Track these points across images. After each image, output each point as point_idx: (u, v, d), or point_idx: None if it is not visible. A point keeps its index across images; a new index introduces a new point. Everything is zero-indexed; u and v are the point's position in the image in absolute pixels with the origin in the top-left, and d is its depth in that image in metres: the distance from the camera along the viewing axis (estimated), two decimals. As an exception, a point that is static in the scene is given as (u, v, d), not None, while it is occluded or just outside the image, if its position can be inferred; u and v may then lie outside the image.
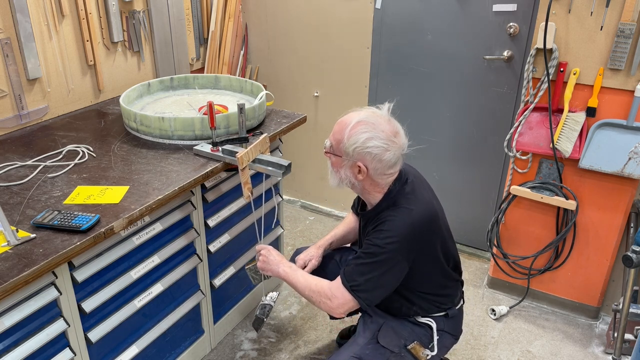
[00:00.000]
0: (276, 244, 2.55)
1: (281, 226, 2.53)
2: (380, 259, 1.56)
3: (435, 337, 1.75)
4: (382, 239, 1.56)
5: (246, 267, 2.11)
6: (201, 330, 2.18)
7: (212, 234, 2.06)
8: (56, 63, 2.17)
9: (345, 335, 2.31)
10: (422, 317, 1.78)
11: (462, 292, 1.87)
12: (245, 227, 2.22)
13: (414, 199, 1.61)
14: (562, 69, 2.14)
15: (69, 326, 1.51)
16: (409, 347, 1.72)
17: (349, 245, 2.09)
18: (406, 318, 1.78)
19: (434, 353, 1.75)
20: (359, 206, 1.88)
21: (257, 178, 2.18)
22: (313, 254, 1.95)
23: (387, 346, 1.71)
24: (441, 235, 1.67)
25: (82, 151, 1.90)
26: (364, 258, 1.58)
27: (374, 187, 1.63)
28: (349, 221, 2.04)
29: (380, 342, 1.71)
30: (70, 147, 1.93)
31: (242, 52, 3.13)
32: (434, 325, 1.76)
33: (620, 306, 2.17)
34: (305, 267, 1.92)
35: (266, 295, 2.16)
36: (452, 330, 1.82)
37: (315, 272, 1.92)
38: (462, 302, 1.86)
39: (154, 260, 1.78)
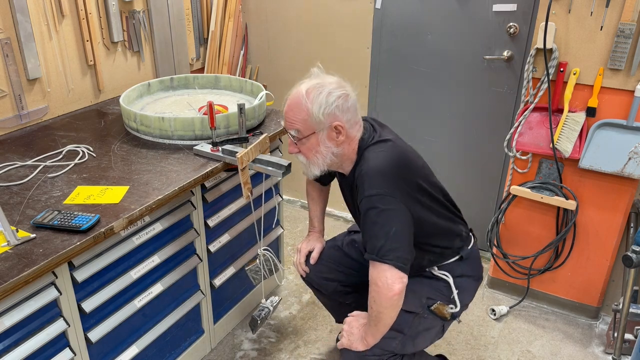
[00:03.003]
0: (276, 244, 2.55)
1: (281, 226, 2.53)
2: (381, 214, 1.52)
3: (455, 291, 1.73)
4: (368, 196, 1.52)
5: (246, 268, 2.11)
6: (201, 330, 2.18)
7: (212, 234, 2.06)
8: (56, 63, 2.17)
9: None
10: (438, 268, 1.75)
11: (470, 230, 1.85)
12: (245, 227, 2.22)
13: (378, 144, 1.60)
14: (562, 69, 2.14)
15: (69, 326, 1.51)
16: (432, 307, 1.70)
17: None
18: (421, 273, 1.75)
19: (457, 308, 1.73)
20: (324, 175, 1.83)
21: (257, 178, 2.18)
22: (315, 242, 1.99)
23: (409, 309, 1.66)
24: (421, 169, 1.65)
25: (82, 151, 1.90)
26: (369, 224, 1.53)
27: (351, 147, 1.61)
28: (314, 190, 2.03)
29: (402, 308, 1.63)
30: (70, 147, 1.93)
31: (242, 52, 3.13)
32: (450, 280, 1.73)
33: (620, 306, 2.17)
34: (311, 251, 1.97)
35: (267, 299, 2.16)
36: (471, 272, 1.79)
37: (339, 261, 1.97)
38: (473, 240, 1.84)
39: (154, 260, 1.78)
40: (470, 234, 1.85)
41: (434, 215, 1.67)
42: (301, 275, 2.04)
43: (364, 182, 1.54)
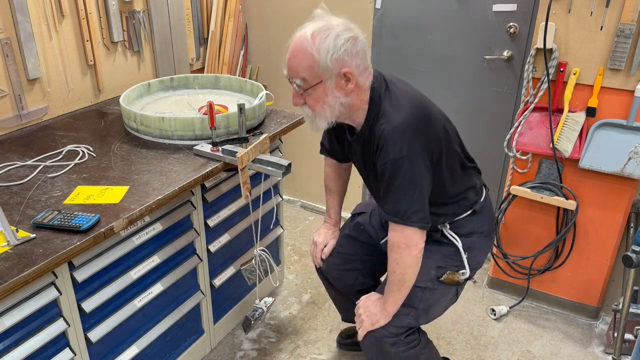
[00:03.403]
0: (276, 244, 2.55)
1: (281, 226, 2.53)
2: (406, 177, 1.45)
3: (464, 255, 1.69)
4: (393, 159, 1.43)
5: (242, 268, 2.11)
6: (201, 330, 2.18)
7: (212, 234, 2.06)
8: (56, 63, 2.17)
9: (346, 336, 2.31)
10: (450, 226, 1.70)
11: (481, 180, 1.79)
12: (245, 227, 2.22)
13: (397, 97, 1.50)
14: (562, 69, 2.14)
15: (69, 326, 1.51)
16: (442, 278, 1.68)
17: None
18: (431, 236, 1.68)
19: (468, 273, 1.71)
20: (334, 145, 1.78)
21: (257, 178, 2.18)
22: (330, 236, 1.97)
23: (418, 285, 1.63)
24: (440, 118, 1.57)
25: (82, 151, 1.90)
26: (394, 188, 1.46)
27: (361, 97, 1.49)
28: (332, 175, 1.94)
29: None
30: (70, 147, 1.93)
31: (242, 52, 3.13)
32: (459, 245, 1.69)
33: (620, 306, 2.17)
34: (325, 246, 1.96)
35: (260, 300, 2.16)
36: (482, 227, 1.74)
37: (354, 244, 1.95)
38: (485, 191, 1.79)
39: (154, 260, 1.78)
40: (483, 185, 1.79)
41: (452, 170, 1.61)
42: (317, 268, 2.04)
43: (387, 143, 1.44)
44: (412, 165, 1.45)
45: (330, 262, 1.98)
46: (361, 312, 1.69)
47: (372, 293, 1.73)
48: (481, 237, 1.75)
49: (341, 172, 1.94)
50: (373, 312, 1.66)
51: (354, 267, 1.97)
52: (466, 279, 1.73)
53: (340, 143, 1.79)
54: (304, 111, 1.53)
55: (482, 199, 1.75)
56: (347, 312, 2.15)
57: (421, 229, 1.51)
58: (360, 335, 1.69)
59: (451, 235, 1.71)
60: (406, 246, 1.52)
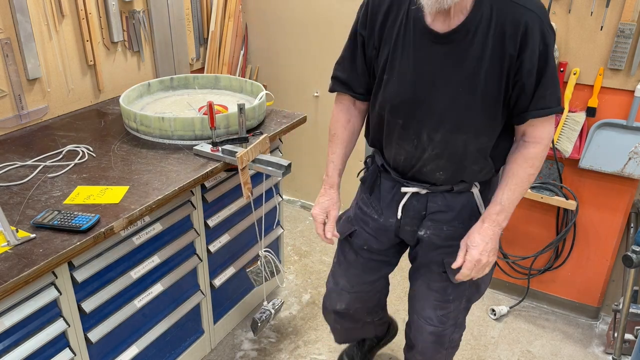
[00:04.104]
0: (276, 244, 2.55)
1: (281, 226, 2.53)
2: (552, 58, 1.30)
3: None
4: (547, 37, 1.25)
5: (247, 270, 2.11)
6: (201, 330, 2.18)
7: (212, 234, 2.06)
8: (56, 63, 2.17)
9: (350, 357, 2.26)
10: (482, 187, 1.50)
11: None
12: (246, 227, 2.22)
13: None
14: (562, 69, 2.14)
15: (69, 326, 1.51)
16: None
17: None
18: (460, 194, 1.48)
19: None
20: (358, 71, 1.48)
21: (257, 178, 2.18)
22: (328, 204, 1.59)
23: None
24: None
25: (82, 151, 1.90)
26: (546, 72, 1.28)
27: None
28: (342, 118, 1.58)
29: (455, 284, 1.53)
30: (70, 147, 1.93)
31: (242, 52, 3.13)
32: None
33: (620, 306, 2.17)
34: (325, 223, 1.60)
35: (269, 302, 2.16)
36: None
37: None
38: None
39: (154, 261, 1.78)
40: None
41: None
42: (323, 311, 1.91)
43: (543, 24, 1.25)
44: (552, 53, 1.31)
45: (341, 324, 1.88)
46: (474, 255, 1.41)
47: (474, 238, 1.42)
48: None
49: (354, 114, 1.58)
50: (487, 247, 1.41)
51: (369, 320, 1.90)
52: None
53: (368, 67, 1.47)
54: None
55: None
56: (345, 336, 2.04)
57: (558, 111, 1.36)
58: (467, 275, 1.44)
59: (477, 198, 1.51)
60: (548, 140, 1.38)
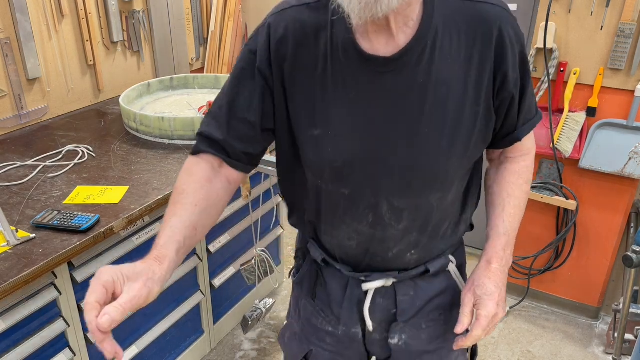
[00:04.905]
0: (276, 244, 2.55)
1: (281, 226, 2.53)
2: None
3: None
4: (521, 36, 0.96)
5: (241, 268, 2.12)
6: (201, 330, 2.17)
7: (212, 234, 2.05)
8: (56, 63, 2.17)
9: None
10: (454, 256, 1.15)
11: None
12: (245, 227, 2.22)
13: None
14: (562, 69, 2.14)
15: (69, 326, 1.51)
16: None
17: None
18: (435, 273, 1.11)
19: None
20: (251, 125, 1.01)
21: (257, 178, 2.18)
22: (136, 271, 0.81)
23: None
24: None
25: (82, 151, 1.90)
26: (527, 80, 1.00)
27: None
28: (203, 178, 1.00)
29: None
30: (70, 147, 1.93)
31: (242, 52, 3.13)
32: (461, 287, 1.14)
33: (621, 306, 2.17)
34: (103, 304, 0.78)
35: (260, 301, 2.17)
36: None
37: None
38: None
39: (154, 261, 1.78)
40: None
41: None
42: None
43: (513, 24, 0.94)
44: None
45: None
46: (489, 309, 1.01)
47: (483, 287, 1.03)
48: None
49: (220, 179, 1.03)
50: (504, 294, 1.06)
51: None
52: None
53: (264, 121, 1.02)
54: None
55: None
56: None
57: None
58: (477, 339, 1.03)
59: (456, 276, 1.17)
60: (534, 146, 1.16)
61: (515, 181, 1.11)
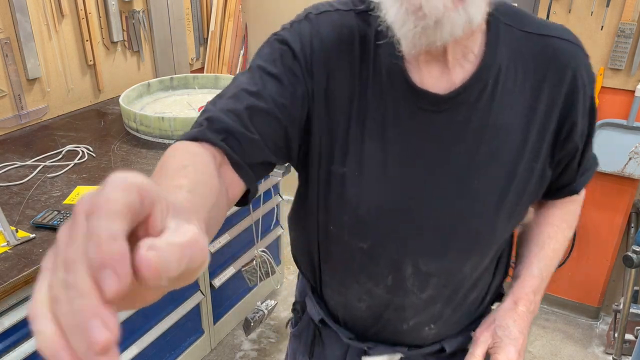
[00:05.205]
0: (276, 244, 2.55)
1: (281, 226, 2.53)
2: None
3: None
4: (593, 75, 0.84)
5: (242, 269, 2.12)
6: (201, 331, 2.17)
7: (212, 234, 2.05)
8: (56, 63, 2.17)
9: None
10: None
11: None
12: (245, 227, 2.22)
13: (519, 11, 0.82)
14: (562, 69, 2.14)
15: (69, 326, 1.51)
16: None
17: None
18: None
19: None
20: (269, 133, 0.74)
21: (257, 178, 2.18)
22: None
23: None
24: None
25: (82, 151, 1.90)
26: (593, 129, 0.87)
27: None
28: (203, 158, 0.65)
29: None
30: (69, 147, 1.93)
31: (242, 52, 3.13)
32: None
33: (621, 306, 2.17)
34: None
35: (262, 302, 2.17)
36: None
37: None
38: None
39: (154, 261, 1.78)
40: None
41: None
42: None
43: (586, 63, 0.81)
44: None
45: None
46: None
47: (508, 323, 0.87)
48: None
49: (219, 181, 0.65)
50: (524, 346, 0.89)
51: None
52: None
53: (287, 131, 0.76)
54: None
55: None
56: None
57: None
58: None
59: None
60: (584, 193, 1.01)
61: (558, 224, 0.98)
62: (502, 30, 0.77)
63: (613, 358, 2.18)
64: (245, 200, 0.74)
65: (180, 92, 2.43)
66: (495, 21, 0.77)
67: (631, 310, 2.13)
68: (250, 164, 0.71)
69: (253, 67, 0.82)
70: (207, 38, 2.97)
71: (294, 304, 1.14)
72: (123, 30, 2.43)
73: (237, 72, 3.14)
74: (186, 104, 2.28)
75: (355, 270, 0.86)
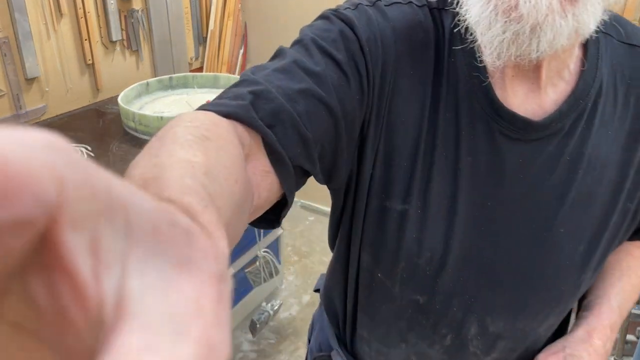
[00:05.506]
0: (276, 244, 2.54)
1: (281, 227, 2.52)
2: None
3: None
4: None
5: (246, 270, 2.10)
6: (200, 331, 2.16)
7: (211, 234, 2.04)
8: (54, 62, 2.16)
9: None
10: None
11: None
12: (245, 227, 2.21)
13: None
14: (563, 69, 2.13)
15: (67, 328, 1.50)
16: None
17: None
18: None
19: None
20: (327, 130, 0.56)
21: (256, 178, 2.17)
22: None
23: None
24: None
25: (81, 151, 1.89)
26: None
27: None
28: (231, 137, 0.43)
29: None
30: (68, 146, 1.92)
31: (241, 51, 3.12)
32: None
33: (622, 307, 2.16)
34: None
35: (267, 303, 2.16)
36: None
37: None
38: None
39: (153, 261, 1.77)
40: None
41: None
42: None
43: None
44: None
45: None
46: None
47: (582, 355, 0.73)
48: None
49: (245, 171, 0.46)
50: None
51: None
52: None
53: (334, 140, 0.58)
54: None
55: None
56: None
57: None
58: None
59: None
60: None
61: (638, 255, 0.81)
62: (602, 40, 0.62)
63: (614, 358, 2.18)
64: (275, 216, 0.54)
65: (180, 91, 2.42)
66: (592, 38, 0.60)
67: (633, 310, 2.12)
68: (294, 166, 0.52)
69: (306, 40, 0.64)
70: (206, 37, 2.96)
71: (313, 356, 0.90)
72: (122, 29, 2.42)
73: (237, 71, 3.13)
74: (185, 104, 2.27)
75: (403, 327, 0.71)
